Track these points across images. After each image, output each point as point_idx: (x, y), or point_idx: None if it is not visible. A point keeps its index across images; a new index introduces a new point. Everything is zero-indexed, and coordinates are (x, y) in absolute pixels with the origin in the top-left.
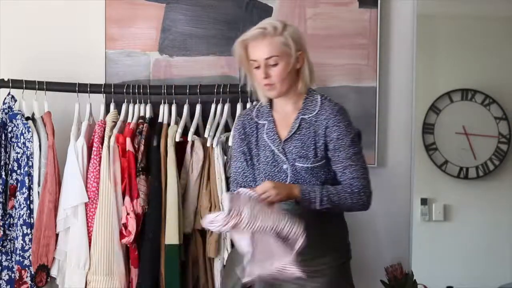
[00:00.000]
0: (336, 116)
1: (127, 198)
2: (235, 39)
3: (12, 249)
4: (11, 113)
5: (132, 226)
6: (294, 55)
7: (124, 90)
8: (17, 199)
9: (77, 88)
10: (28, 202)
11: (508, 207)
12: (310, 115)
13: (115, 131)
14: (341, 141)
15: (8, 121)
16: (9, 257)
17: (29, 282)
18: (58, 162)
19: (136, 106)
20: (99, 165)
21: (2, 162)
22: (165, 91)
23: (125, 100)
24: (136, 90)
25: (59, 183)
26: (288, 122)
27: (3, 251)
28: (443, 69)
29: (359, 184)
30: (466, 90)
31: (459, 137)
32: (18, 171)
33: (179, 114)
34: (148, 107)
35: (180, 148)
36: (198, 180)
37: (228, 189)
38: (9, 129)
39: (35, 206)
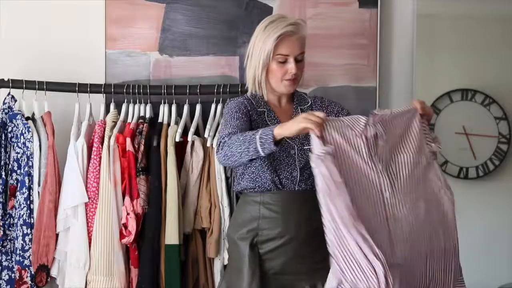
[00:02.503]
0: (331, 103)
1: (127, 198)
2: (235, 39)
3: (12, 249)
4: (11, 113)
5: (132, 226)
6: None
7: (124, 90)
8: (17, 199)
9: (77, 88)
10: (28, 202)
11: (508, 207)
12: (305, 106)
13: (115, 131)
14: None
15: (8, 121)
16: (9, 257)
17: (29, 282)
18: (58, 162)
19: (136, 106)
20: (99, 165)
21: (2, 162)
22: (165, 91)
23: (125, 100)
24: (136, 90)
25: (59, 183)
26: (287, 112)
27: (3, 251)
28: (443, 69)
29: None
30: (466, 90)
31: (459, 137)
32: (18, 171)
33: (179, 114)
34: (148, 107)
35: (180, 148)
36: (198, 180)
37: (228, 189)
38: (9, 129)
39: (35, 206)
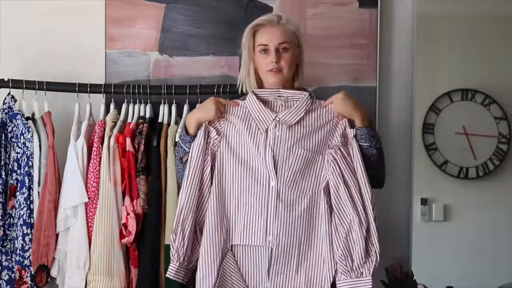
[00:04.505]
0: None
1: (127, 198)
2: (235, 39)
3: (12, 249)
4: (11, 113)
5: (132, 226)
6: (299, 48)
7: (124, 90)
8: (17, 199)
9: (77, 88)
10: (28, 202)
11: (508, 207)
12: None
13: (115, 131)
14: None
15: (8, 121)
16: (9, 257)
17: (29, 282)
18: (58, 162)
19: (136, 106)
20: (99, 165)
21: (2, 162)
22: (165, 91)
23: (125, 100)
24: (136, 90)
25: (59, 183)
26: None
27: (3, 251)
28: (443, 69)
29: None
30: (466, 90)
31: (459, 137)
32: (18, 171)
33: (179, 114)
34: (148, 107)
35: None
36: None
37: None
38: (9, 129)
39: (35, 206)
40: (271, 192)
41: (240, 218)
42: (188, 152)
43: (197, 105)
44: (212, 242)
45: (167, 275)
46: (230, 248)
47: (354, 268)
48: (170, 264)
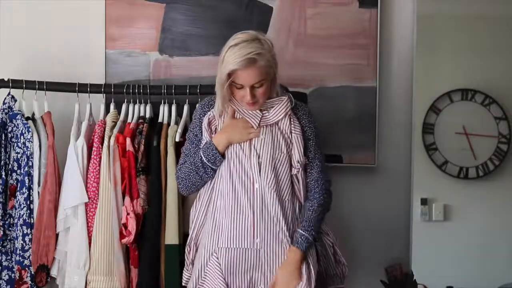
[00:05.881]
0: (309, 116)
1: (127, 198)
2: None
3: (12, 249)
4: (11, 113)
5: (132, 226)
6: (273, 69)
7: (124, 90)
8: (17, 199)
9: (77, 88)
10: (28, 202)
11: (508, 207)
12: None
13: (115, 131)
14: (312, 140)
15: (8, 121)
16: (9, 257)
17: (29, 282)
18: (58, 162)
19: (136, 106)
20: (99, 165)
21: (2, 162)
22: (165, 91)
23: (125, 100)
24: (136, 90)
25: (59, 183)
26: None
27: (3, 251)
28: (443, 69)
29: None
30: (466, 90)
31: (459, 137)
32: (18, 171)
33: (179, 114)
34: (148, 107)
35: (180, 148)
36: None
37: None
38: (9, 129)
39: (35, 206)
40: (256, 194)
41: (226, 220)
42: (216, 169)
43: (224, 126)
44: (204, 244)
45: (183, 284)
46: (214, 250)
47: None
48: (184, 273)
